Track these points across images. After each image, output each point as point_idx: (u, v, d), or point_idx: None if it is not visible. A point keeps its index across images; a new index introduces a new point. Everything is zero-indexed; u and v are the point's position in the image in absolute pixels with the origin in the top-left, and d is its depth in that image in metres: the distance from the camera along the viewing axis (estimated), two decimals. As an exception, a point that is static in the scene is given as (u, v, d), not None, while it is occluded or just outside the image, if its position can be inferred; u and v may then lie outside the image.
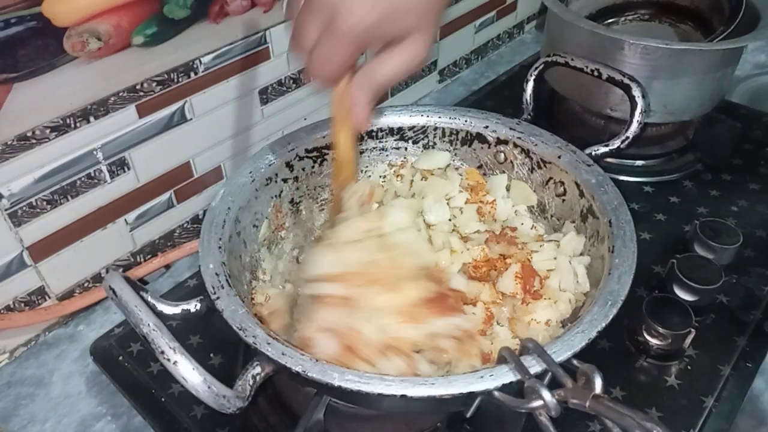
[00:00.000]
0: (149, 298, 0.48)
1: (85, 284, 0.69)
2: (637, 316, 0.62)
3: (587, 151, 0.62)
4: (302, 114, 0.82)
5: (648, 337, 0.62)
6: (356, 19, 0.43)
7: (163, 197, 0.71)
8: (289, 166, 0.63)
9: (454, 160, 0.69)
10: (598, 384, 0.39)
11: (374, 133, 0.67)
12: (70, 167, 0.61)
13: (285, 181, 0.63)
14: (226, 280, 0.49)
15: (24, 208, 0.59)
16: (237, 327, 0.45)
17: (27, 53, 0.54)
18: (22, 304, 0.64)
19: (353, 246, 0.51)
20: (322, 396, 0.52)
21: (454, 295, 0.53)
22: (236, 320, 0.46)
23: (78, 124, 0.60)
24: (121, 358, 0.63)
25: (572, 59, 0.67)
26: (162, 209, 0.72)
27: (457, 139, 0.68)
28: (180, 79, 0.66)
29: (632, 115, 0.63)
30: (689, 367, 0.62)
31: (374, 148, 0.68)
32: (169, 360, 0.42)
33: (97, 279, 0.70)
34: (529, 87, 0.71)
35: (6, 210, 0.58)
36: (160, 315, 0.46)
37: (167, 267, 0.75)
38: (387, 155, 0.69)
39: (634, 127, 0.62)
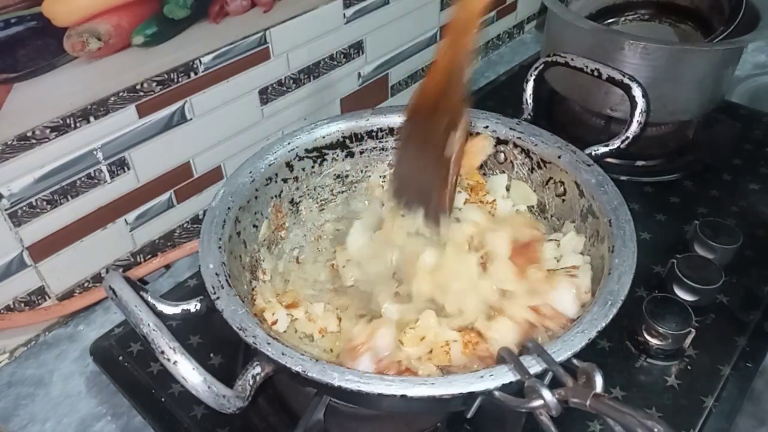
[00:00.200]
0: (149, 298, 0.48)
1: (85, 284, 0.69)
2: (637, 316, 0.62)
3: (587, 151, 0.62)
4: (302, 114, 0.82)
5: (648, 337, 0.62)
6: None
7: (163, 197, 0.72)
8: (289, 166, 0.63)
9: (454, 160, 0.69)
10: (599, 382, 0.39)
11: (374, 133, 0.67)
12: (70, 167, 0.61)
13: (285, 181, 0.63)
14: (226, 280, 0.49)
15: (24, 208, 0.59)
16: (237, 327, 0.45)
17: (27, 53, 0.54)
18: (22, 304, 0.64)
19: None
20: (322, 396, 0.52)
21: None
22: (236, 320, 0.46)
23: (78, 124, 0.60)
24: (121, 358, 0.63)
25: (572, 59, 0.67)
26: (162, 209, 0.72)
27: (457, 139, 0.68)
28: (180, 79, 0.66)
29: (632, 115, 0.62)
30: (689, 367, 0.62)
31: (374, 148, 0.68)
32: (169, 360, 0.42)
33: (97, 279, 0.70)
34: (529, 87, 0.71)
35: (6, 210, 0.58)
36: (160, 315, 0.46)
37: (167, 267, 0.75)
38: (387, 155, 0.69)
39: (634, 127, 0.62)
